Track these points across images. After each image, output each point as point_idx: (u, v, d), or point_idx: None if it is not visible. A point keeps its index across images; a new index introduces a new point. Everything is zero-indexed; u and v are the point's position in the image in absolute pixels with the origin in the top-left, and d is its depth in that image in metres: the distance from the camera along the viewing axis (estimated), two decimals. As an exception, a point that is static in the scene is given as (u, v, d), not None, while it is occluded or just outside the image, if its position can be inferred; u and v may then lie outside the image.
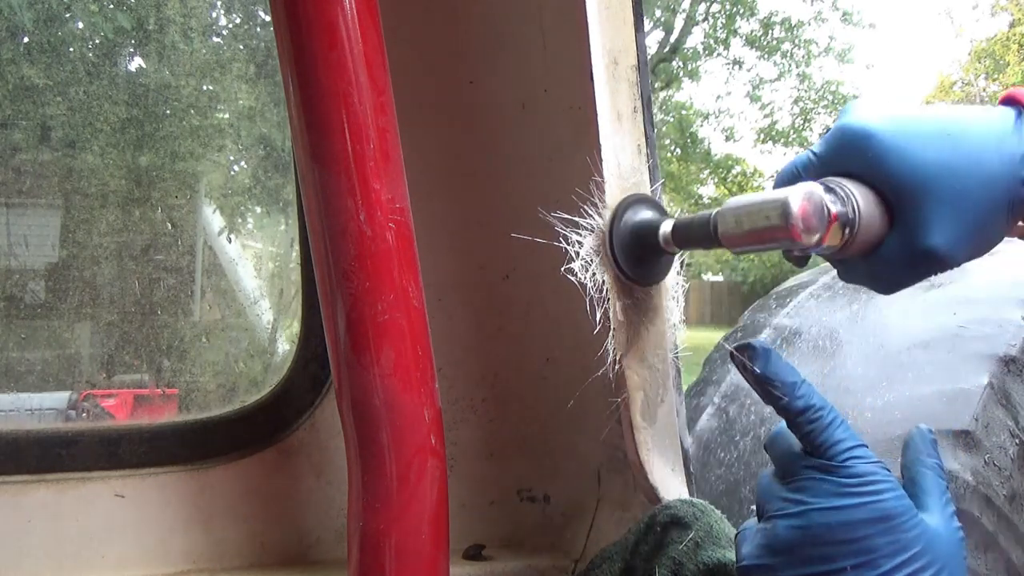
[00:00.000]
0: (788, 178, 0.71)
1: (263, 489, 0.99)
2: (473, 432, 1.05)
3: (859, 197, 0.65)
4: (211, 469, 0.98)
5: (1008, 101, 0.68)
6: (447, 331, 1.01)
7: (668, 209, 0.90)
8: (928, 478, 0.65)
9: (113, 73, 2.25)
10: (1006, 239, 0.73)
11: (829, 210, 0.64)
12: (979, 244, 0.67)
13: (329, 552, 1.00)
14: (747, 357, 0.64)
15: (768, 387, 0.63)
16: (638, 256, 0.80)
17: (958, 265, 0.67)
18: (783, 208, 0.63)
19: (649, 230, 0.79)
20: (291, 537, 1.00)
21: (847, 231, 0.65)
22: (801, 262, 0.77)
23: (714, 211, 0.71)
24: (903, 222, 0.66)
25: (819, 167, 0.70)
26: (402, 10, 0.96)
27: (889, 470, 0.62)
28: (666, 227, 0.77)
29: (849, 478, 0.60)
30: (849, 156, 0.67)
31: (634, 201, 0.82)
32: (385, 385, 0.71)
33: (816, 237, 0.63)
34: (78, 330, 2.06)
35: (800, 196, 0.63)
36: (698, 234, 0.73)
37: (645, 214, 0.81)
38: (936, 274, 0.68)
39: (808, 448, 0.62)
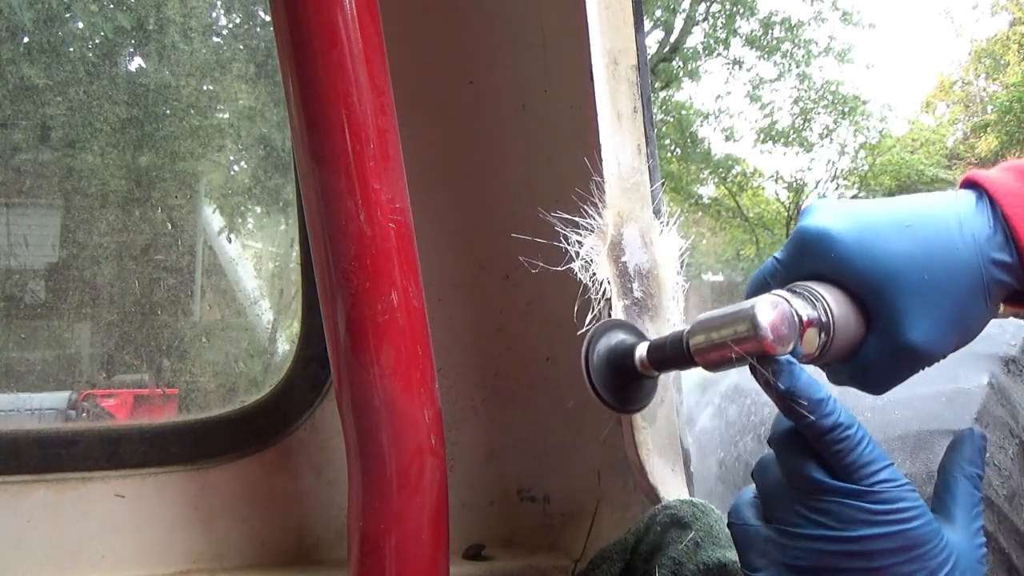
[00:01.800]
0: (756, 286, 0.70)
1: (263, 489, 0.99)
2: (473, 432, 1.05)
3: (830, 299, 0.64)
4: (211, 469, 0.98)
5: (968, 184, 0.67)
6: (447, 331, 1.01)
7: (667, 210, 0.90)
8: (963, 489, 0.63)
9: (113, 73, 2.26)
10: (994, 325, 0.71)
11: (799, 316, 0.62)
12: (960, 332, 0.65)
13: (329, 552, 1.00)
14: (770, 372, 0.60)
15: (793, 404, 0.59)
16: (620, 384, 0.77)
17: (942, 357, 0.66)
18: (751, 319, 0.61)
19: (625, 356, 0.76)
20: (291, 537, 1.00)
21: (823, 335, 0.63)
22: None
23: (686, 329, 0.69)
24: (878, 320, 0.65)
25: (784, 273, 0.68)
26: (402, 10, 0.96)
27: (916, 490, 0.59)
28: (641, 351, 0.75)
29: (877, 504, 0.57)
30: (813, 259, 0.66)
31: (607, 328, 0.79)
32: (385, 385, 0.71)
33: (790, 346, 0.61)
34: (78, 330, 2.06)
35: (767, 305, 0.61)
36: (672, 353, 0.71)
37: (619, 339, 0.78)
38: (921, 369, 0.66)
39: (834, 468, 0.59)
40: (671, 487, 0.87)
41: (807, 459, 0.60)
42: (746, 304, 0.62)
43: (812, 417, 0.59)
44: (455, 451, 1.02)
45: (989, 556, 1.30)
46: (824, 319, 0.63)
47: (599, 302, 0.81)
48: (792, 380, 0.59)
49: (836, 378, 0.71)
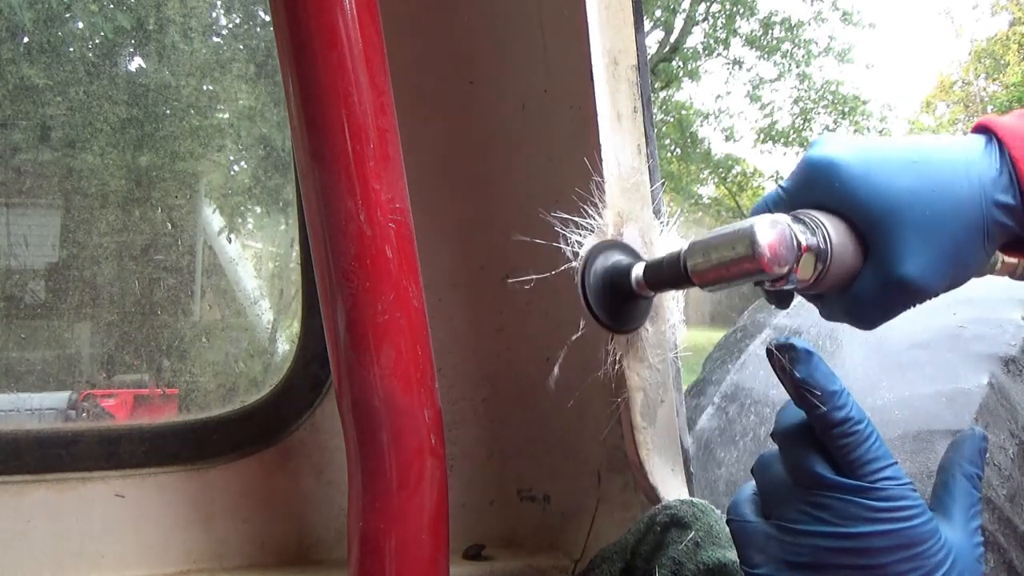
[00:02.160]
0: (759, 213, 0.70)
1: (263, 489, 0.99)
2: (473, 432, 1.05)
3: (831, 228, 0.64)
4: (211, 469, 0.98)
5: (980, 129, 0.68)
6: (447, 331, 1.01)
7: (667, 209, 0.90)
8: (961, 488, 0.63)
9: (113, 73, 2.26)
10: (992, 277, 0.72)
11: (798, 240, 0.62)
12: (956, 271, 0.66)
13: (329, 552, 1.00)
14: (788, 359, 0.59)
15: (806, 393, 0.59)
16: (614, 304, 0.78)
17: (935, 295, 0.66)
18: (750, 238, 0.61)
19: (621, 275, 0.76)
20: (291, 537, 1.00)
21: (819, 264, 0.63)
22: (783, 303, 0.75)
23: (683, 247, 0.69)
24: (876, 252, 0.65)
25: (788, 201, 0.69)
26: (402, 10, 0.96)
27: (916, 490, 0.59)
28: (637, 271, 0.75)
29: (879, 502, 0.57)
30: (817, 188, 0.66)
31: (604, 247, 0.79)
32: (385, 385, 0.71)
33: (786, 268, 0.61)
34: (78, 330, 2.06)
35: (766, 225, 0.61)
36: (669, 273, 0.71)
37: (616, 259, 0.79)
38: (914, 305, 0.67)
39: (839, 462, 0.59)
40: (671, 487, 0.87)
41: (811, 454, 0.60)
42: (745, 223, 0.62)
43: (824, 408, 0.59)
44: (455, 451, 1.03)
45: (989, 556, 1.30)
46: (822, 246, 0.63)
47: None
48: (809, 369, 0.59)
49: (829, 312, 0.71)
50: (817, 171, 0.67)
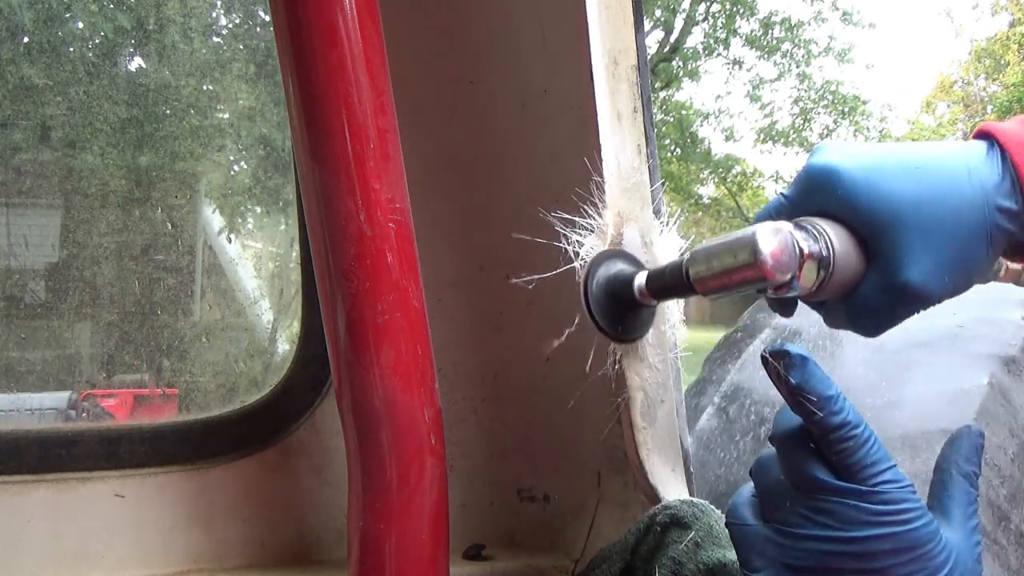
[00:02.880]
0: (762, 221, 0.70)
1: (263, 489, 0.99)
2: (473, 432, 1.05)
3: (833, 235, 0.64)
4: (211, 469, 0.98)
5: (981, 135, 0.68)
6: (447, 331, 1.01)
7: (667, 210, 0.90)
8: (959, 487, 0.63)
9: (113, 73, 2.26)
10: (995, 283, 0.72)
11: (801, 248, 0.62)
12: (959, 277, 0.65)
13: (329, 552, 1.00)
14: (783, 365, 0.59)
15: (802, 399, 0.58)
16: (618, 313, 0.77)
17: (939, 301, 0.66)
18: (752, 245, 0.61)
19: (624, 285, 0.76)
20: (291, 537, 1.00)
21: (822, 270, 0.63)
22: (787, 310, 0.74)
23: (685, 256, 0.69)
24: (878, 258, 0.65)
25: (791, 209, 0.69)
26: (402, 10, 0.96)
27: (916, 492, 0.59)
28: (640, 280, 0.75)
29: (879, 505, 0.57)
30: (819, 195, 0.66)
31: (607, 256, 0.79)
32: (385, 385, 0.71)
33: (789, 275, 0.61)
34: (78, 330, 2.06)
35: (769, 232, 0.61)
36: (671, 282, 0.71)
37: (619, 268, 0.78)
38: (917, 312, 0.67)
39: (838, 467, 0.59)
40: (671, 487, 0.87)
41: (810, 458, 0.60)
42: (747, 231, 0.62)
43: (820, 414, 0.58)
44: (455, 451, 1.02)
45: (989, 556, 1.30)
46: (825, 253, 0.63)
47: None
48: (804, 375, 0.59)
49: (832, 319, 0.71)
50: (819, 178, 0.67)
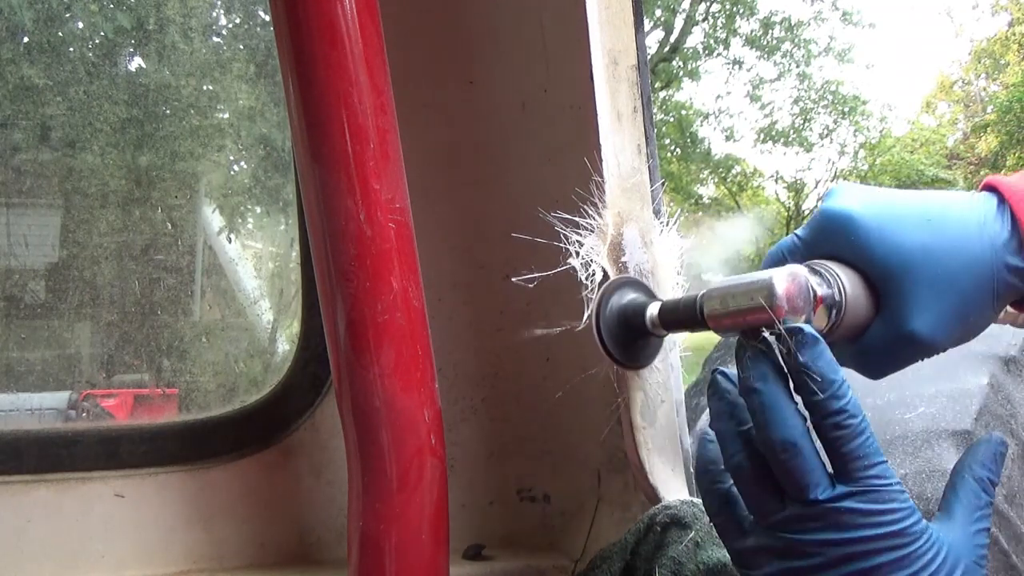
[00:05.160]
0: (774, 261, 0.71)
1: (263, 489, 0.99)
2: (473, 432, 1.05)
3: (845, 280, 0.65)
4: (211, 469, 0.98)
5: (989, 188, 0.69)
6: (447, 331, 1.01)
7: (667, 210, 0.90)
8: (968, 489, 0.63)
9: (113, 73, 2.26)
10: (995, 325, 0.72)
11: (815, 292, 0.63)
12: (964, 329, 0.67)
13: (329, 552, 1.00)
14: (795, 341, 0.59)
15: (806, 378, 0.59)
16: (627, 340, 0.78)
17: (943, 350, 0.67)
18: (768, 289, 0.62)
19: (636, 314, 0.77)
20: (291, 537, 1.00)
21: (833, 313, 0.65)
22: None
23: (700, 292, 0.70)
24: (887, 306, 0.66)
25: (804, 250, 0.70)
26: (402, 10, 0.96)
27: (904, 490, 0.59)
28: (653, 310, 0.76)
29: (867, 504, 0.57)
30: (832, 240, 0.67)
31: (620, 284, 0.80)
32: (385, 385, 0.71)
33: (802, 319, 0.62)
34: (78, 330, 2.06)
35: (785, 277, 0.62)
36: (684, 316, 0.72)
37: (631, 296, 0.80)
38: (921, 359, 0.68)
39: (829, 453, 0.59)
40: (671, 487, 0.87)
41: (770, 494, 0.61)
42: (764, 274, 0.63)
43: (822, 395, 0.58)
44: (455, 451, 1.02)
45: (989, 557, 1.29)
46: (837, 298, 0.65)
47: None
48: (814, 355, 0.59)
49: (837, 359, 0.72)
50: (834, 223, 0.68)
